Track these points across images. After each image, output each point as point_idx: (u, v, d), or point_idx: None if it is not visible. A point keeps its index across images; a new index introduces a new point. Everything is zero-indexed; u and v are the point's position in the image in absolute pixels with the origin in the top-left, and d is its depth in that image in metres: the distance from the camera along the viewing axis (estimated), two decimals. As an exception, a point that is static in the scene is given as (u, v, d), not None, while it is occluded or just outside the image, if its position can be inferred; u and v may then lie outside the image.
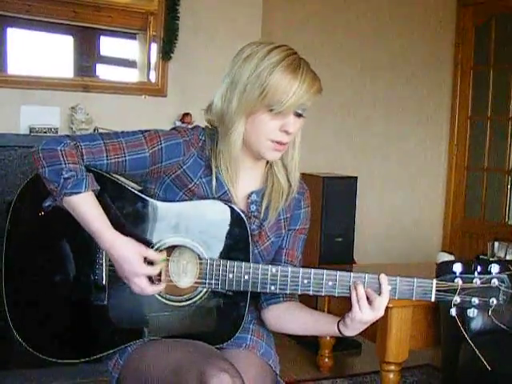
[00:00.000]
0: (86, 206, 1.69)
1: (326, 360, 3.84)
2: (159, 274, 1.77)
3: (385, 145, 5.43)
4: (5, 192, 3.48)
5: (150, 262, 1.72)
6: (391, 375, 3.22)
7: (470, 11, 5.56)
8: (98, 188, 1.72)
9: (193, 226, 1.78)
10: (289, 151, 1.86)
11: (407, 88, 5.45)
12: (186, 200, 1.80)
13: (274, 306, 1.92)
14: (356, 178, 4.29)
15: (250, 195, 1.86)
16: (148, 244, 1.78)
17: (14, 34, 3.94)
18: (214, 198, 1.80)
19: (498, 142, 5.49)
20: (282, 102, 1.69)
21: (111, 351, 1.83)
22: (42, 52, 3.95)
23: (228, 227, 1.78)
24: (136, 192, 1.80)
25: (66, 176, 1.65)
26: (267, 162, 1.89)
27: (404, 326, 3.17)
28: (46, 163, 1.67)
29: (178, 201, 1.80)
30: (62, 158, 1.66)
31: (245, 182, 1.86)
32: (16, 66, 3.87)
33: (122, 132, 1.77)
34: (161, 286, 1.76)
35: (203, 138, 1.83)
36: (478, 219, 5.58)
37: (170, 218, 1.79)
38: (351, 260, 4.26)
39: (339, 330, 1.78)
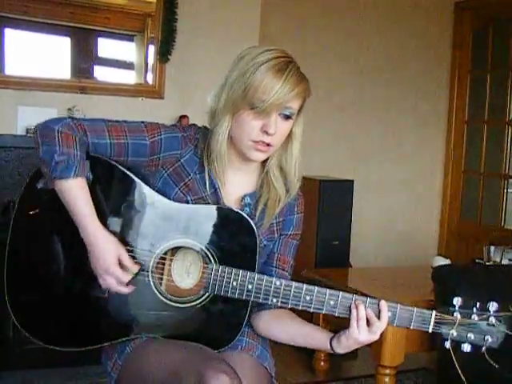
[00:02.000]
0: (73, 194, 1.70)
1: (322, 363, 3.84)
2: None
3: (381, 148, 5.44)
4: (1, 193, 3.48)
5: (124, 267, 1.75)
6: (387, 379, 3.22)
7: (468, 16, 5.57)
8: (90, 177, 1.73)
9: (202, 229, 1.79)
10: (287, 158, 1.87)
11: (405, 92, 5.46)
12: (181, 196, 1.81)
13: (265, 312, 1.92)
14: (352, 181, 4.29)
15: (243, 198, 1.87)
16: (155, 242, 1.79)
17: (11, 35, 3.94)
18: (220, 205, 1.82)
19: (494, 146, 5.49)
20: (263, 100, 1.69)
21: (108, 343, 1.83)
22: (39, 53, 3.95)
23: (238, 235, 1.79)
24: (148, 188, 1.80)
25: (57, 160, 1.66)
26: (263, 167, 1.90)
27: (399, 329, 3.16)
28: (42, 142, 1.69)
29: (174, 196, 1.81)
30: (57, 140, 1.67)
31: (237, 184, 1.87)
32: (13, 67, 3.87)
33: (124, 120, 1.80)
34: (126, 290, 1.76)
35: (198, 137, 1.85)
36: (474, 223, 5.58)
37: (180, 219, 1.79)
38: (347, 263, 4.26)
39: (331, 347, 1.79)
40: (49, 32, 4.03)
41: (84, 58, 4.13)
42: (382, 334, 3.14)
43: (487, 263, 3.89)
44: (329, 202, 4.17)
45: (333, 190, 4.22)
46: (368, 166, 5.35)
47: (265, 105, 1.69)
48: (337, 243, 4.20)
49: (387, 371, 3.22)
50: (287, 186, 1.89)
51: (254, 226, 1.79)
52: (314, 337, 1.84)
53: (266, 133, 1.73)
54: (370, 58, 5.28)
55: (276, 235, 1.93)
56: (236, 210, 1.81)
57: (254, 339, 1.92)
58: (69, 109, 3.81)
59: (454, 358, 1.73)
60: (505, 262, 3.84)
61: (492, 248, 3.96)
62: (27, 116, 3.74)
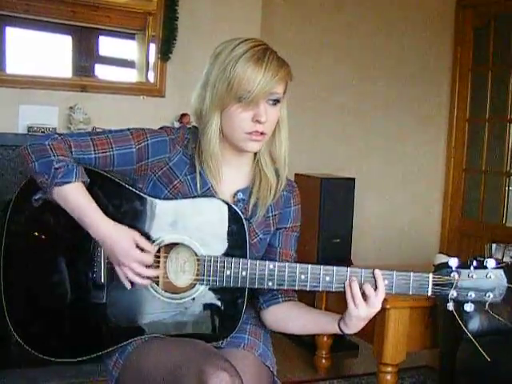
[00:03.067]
0: (77, 195, 1.71)
1: (324, 361, 3.84)
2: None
3: (383, 146, 5.43)
4: (3, 191, 3.48)
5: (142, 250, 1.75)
6: (388, 377, 3.22)
7: (470, 13, 5.57)
8: (88, 180, 1.74)
9: (190, 223, 1.79)
10: (276, 143, 1.88)
11: (406, 89, 5.45)
12: (170, 197, 1.82)
13: (274, 307, 1.93)
14: (354, 179, 4.28)
15: (235, 194, 1.88)
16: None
17: (12, 34, 3.94)
18: (206, 196, 1.82)
19: (496, 143, 5.49)
20: (248, 91, 1.71)
21: (110, 349, 1.83)
22: (40, 51, 3.96)
23: (225, 224, 1.79)
24: (134, 190, 1.81)
25: (56, 166, 1.68)
26: (254, 158, 1.91)
27: (401, 327, 3.17)
28: (36, 157, 1.70)
29: (163, 198, 1.81)
30: (50, 151, 1.69)
31: (230, 179, 1.87)
32: (15, 66, 3.88)
33: (110, 130, 1.82)
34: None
35: (188, 137, 1.86)
36: (475, 221, 5.58)
37: (167, 215, 1.80)
38: (349, 261, 4.26)
39: (340, 329, 1.80)
40: (50, 30, 4.03)
41: (85, 56, 4.13)
42: (383, 332, 3.17)
43: (489, 261, 3.88)
44: (330, 200, 4.16)
45: (334, 189, 4.21)
46: (369, 164, 5.34)
47: (251, 95, 1.71)
48: (338, 241, 4.20)
49: (389, 369, 3.22)
50: (277, 173, 1.90)
51: (239, 211, 1.80)
52: (322, 321, 1.86)
53: (258, 122, 1.74)
54: (371, 56, 5.28)
55: (272, 228, 1.93)
56: (218, 197, 1.82)
57: (256, 337, 1.92)
58: (70, 107, 3.81)
59: (457, 318, 1.72)
60: (506, 259, 3.84)
61: (494, 246, 3.97)
62: (28, 114, 3.74)
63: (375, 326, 3.19)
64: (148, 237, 1.79)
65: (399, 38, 5.38)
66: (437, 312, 3.15)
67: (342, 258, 4.17)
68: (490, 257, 3.86)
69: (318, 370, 3.86)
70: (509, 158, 5.36)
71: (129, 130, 1.81)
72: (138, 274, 1.74)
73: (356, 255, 4.43)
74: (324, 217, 4.14)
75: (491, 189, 5.54)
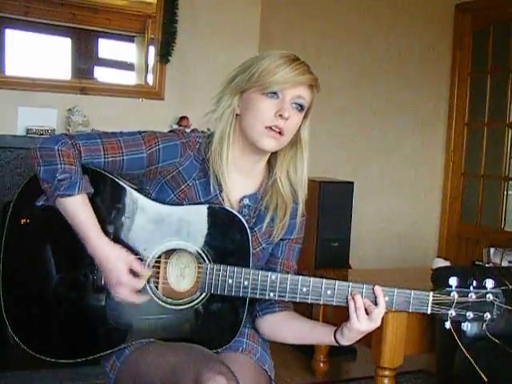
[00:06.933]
0: (77, 210, 1.70)
1: (321, 365, 3.84)
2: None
3: (382, 150, 5.44)
4: (1, 193, 3.48)
5: (136, 274, 1.73)
6: (386, 380, 3.22)
7: (468, 17, 5.57)
8: (92, 191, 1.72)
9: (194, 230, 1.78)
10: (297, 165, 1.88)
11: (405, 93, 5.46)
12: (176, 202, 1.80)
13: (269, 316, 1.92)
14: (352, 182, 4.29)
15: (242, 199, 1.86)
16: (147, 247, 1.78)
17: (12, 36, 3.94)
18: (212, 203, 1.80)
19: (494, 148, 5.49)
20: (272, 82, 1.70)
21: (108, 352, 1.83)
22: (39, 54, 3.95)
23: (229, 233, 1.78)
24: (139, 194, 1.80)
25: (59, 177, 1.66)
26: (266, 172, 1.89)
27: (399, 331, 3.17)
28: (42, 162, 1.67)
29: (168, 202, 1.80)
30: (58, 158, 1.67)
31: (238, 185, 1.85)
32: (14, 68, 3.87)
33: (121, 132, 1.78)
34: (143, 298, 1.77)
35: (200, 141, 1.83)
36: (474, 225, 5.58)
37: (172, 221, 1.79)
38: (347, 265, 4.26)
39: (336, 339, 1.80)
40: (49, 33, 4.03)
41: (84, 58, 4.13)
42: (381, 336, 3.16)
43: (487, 265, 3.89)
44: (329, 204, 4.17)
45: (333, 192, 4.21)
46: (368, 168, 5.35)
47: (276, 87, 1.70)
48: (336, 245, 4.20)
49: (386, 373, 3.21)
50: (294, 197, 1.89)
51: (244, 221, 1.78)
52: (318, 331, 1.85)
53: (281, 116, 1.71)
54: (370, 59, 5.28)
55: (275, 238, 1.91)
56: (224, 206, 1.81)
57: (254, 341, 1.91)
58: (69, 109, 3.81)
59: (455, 337, 1.73)
60: (505, 263, 3.84)
61: (492, 250, 3.97)
62: (27, 116, 3.73)
63: (373, 330, 3.18)
64: (151, 242, 1.78)
65: (398, 41, 5.39)
66: (434, 318, 3.14)
67: (341, 261, 4.18)
68: (489, 261, 3.86)
69: (316, 374, 3.85)
70: (507, 162, 5.37)
71: (140, 133, 1.77)
72: (125, 296, 1.74)
73: (354, 259, 4.43)
74: (322, 220, 4.15)
75: (490, 193, 5.54)
